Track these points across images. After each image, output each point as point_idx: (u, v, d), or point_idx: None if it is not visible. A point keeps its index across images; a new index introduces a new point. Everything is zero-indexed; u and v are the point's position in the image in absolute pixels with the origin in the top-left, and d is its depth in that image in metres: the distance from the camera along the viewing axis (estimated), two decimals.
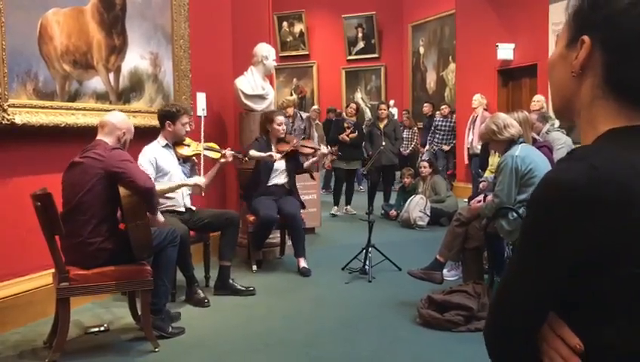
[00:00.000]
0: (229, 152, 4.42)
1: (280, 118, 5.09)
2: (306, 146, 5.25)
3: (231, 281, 4.33)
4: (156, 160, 4.06)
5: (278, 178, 5.05)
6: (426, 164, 7.63)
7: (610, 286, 0.80)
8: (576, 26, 0.90)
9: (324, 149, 5.33)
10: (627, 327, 0.79)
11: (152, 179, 3.86)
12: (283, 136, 5.13)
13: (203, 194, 4.29)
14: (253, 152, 4.83)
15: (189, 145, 4.33)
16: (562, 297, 0.84)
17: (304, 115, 8.49)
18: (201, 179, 4.17)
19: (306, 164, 5.22)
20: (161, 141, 4.17)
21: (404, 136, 10.06)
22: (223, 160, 4.40)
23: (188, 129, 4.27)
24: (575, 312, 0.84)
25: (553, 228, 0.81)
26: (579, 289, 0.82)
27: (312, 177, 5.65)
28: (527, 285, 0.85)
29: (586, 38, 0.87)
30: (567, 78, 0.91)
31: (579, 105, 0.91)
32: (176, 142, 4.25)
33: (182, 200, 4.22)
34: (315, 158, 5.22)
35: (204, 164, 4.34)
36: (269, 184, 5.01)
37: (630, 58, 0.84)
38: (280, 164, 5.03)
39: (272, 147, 5.05)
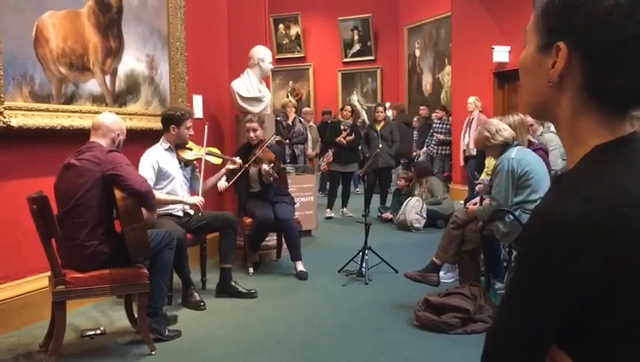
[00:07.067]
0: (238, 160, 4.50)
1: (247, 125, 4.95)
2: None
3: (233, 283, 4.33)
4: (159, 163, 4.05)
5: (255, 186, 5.00)
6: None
7: (616, 318, 0.78)
8: (549, 29, 0.84)
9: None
10: (630, 359, 0.78)
11: (152, 183, 3.86)
12: (256, 142, 4.92)
13: (200, 214, 4.20)
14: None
15: (191, 149, 4.31)
16: (564, 328, 0.81)
17: (302, 120, 8.59)
18: (200, 199, 4.16)
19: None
20: (163, 144, 4.17)
21: (415, 138, 10.08)
22: (231, 166, 4.46)
23: (192, 132, 4.27)
24: (578, 344, 0.81)
25: (550, 263, 0.77)
26: (581, 321, 0.80)
27: (286, 185, 5.25)
28: (525, 321, 0.81)
29: (562, 44, 0.81)
30: (544, 86, 0.85)
31: (560, 116, 0.86)
32: (178, 146, 4.24)
33: (181, 206, 4.21)
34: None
35: (205, 169, 4.34)
36: (252, 191, 5.01)
37: (612, 64, 0.79)
38: (253, 173, 4.93)
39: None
